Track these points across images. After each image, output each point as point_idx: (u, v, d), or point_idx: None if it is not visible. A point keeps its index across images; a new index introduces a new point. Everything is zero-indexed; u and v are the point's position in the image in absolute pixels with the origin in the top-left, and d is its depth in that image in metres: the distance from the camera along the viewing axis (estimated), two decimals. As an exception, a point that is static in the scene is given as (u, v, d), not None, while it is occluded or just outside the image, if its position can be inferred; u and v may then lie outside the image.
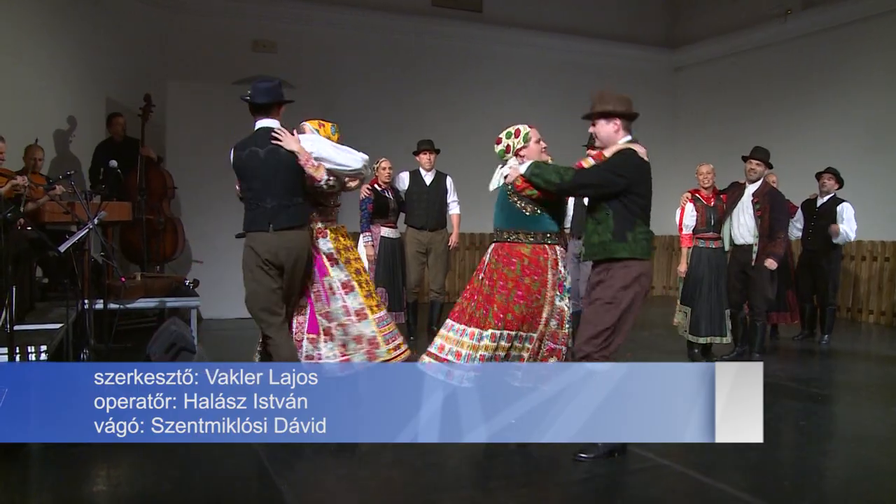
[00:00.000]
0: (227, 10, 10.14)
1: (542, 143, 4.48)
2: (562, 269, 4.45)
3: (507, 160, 4.49)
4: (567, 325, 4.45)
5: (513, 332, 4.32)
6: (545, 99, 11.40)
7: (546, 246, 4.41)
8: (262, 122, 4.74)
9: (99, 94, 8.97)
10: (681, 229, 6.88)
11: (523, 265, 4.34)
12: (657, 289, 12.64)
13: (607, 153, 4.20)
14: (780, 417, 5.43)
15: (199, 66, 9.87)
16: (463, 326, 4.35)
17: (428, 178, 7.86)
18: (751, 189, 6.89)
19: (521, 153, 4.43)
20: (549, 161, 4.45)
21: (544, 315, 4.37)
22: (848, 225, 7.89)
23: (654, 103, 12.97)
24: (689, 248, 6.84)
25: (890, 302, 9.77)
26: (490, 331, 4.27)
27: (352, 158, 4.72)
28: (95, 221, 5.16)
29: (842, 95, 10.36)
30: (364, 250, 7.14)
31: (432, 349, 4.42)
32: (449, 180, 7.95)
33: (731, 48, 12.00)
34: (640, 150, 4.19)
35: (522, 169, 4.30)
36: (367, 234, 7.32)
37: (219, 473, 3.94)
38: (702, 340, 6.84)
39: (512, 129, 4.49)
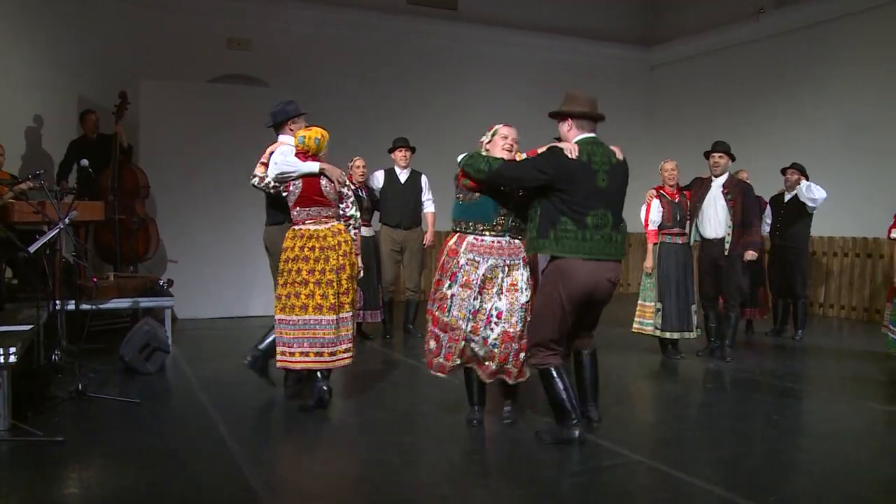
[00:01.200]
0: (202, 8, 10.07)
1: (510, 141, 4.49)
2: (460, 260, 4.52)
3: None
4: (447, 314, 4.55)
5: None
6: (521, 96, 11.39)
7: (457, 234, 4.59)
8: (279, 138, 5.44)
9: (71, 92, 8.87)
10: (647, 225, 6.96)
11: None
12: (633, 286, 12.70)
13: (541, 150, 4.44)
14: (754, 412, 5.49)
15: (174, 64, 9.79)
16: None
17: (403, 175, 7.84)
18: (719, 182, 6.96)
19: (487, 147, 4.52)
20: (518, 158, 4.47)
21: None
22: (811, 191, 7.95)
23: (630, 101, 13.08)
24: (655, 244, 6.91)
25: (861, 297, 9.90)
26: None
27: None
28: (66, 221, 5.08)
29: (816, 93, 10.48)
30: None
31: None
32: (424, 178, 7.93)
33: (707, 46, 12.11)
34: (606, 150, 4.37)
35: (459, 160, 4.47)
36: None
37: (192, 474, 3.91)
38: (673, 336, 6.91)
39: (493, 127, 4.59)
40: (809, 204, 7.99)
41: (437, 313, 4.51)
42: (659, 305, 6.92)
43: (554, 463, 4.11)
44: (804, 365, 7.21)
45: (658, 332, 6.95)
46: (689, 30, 12.44)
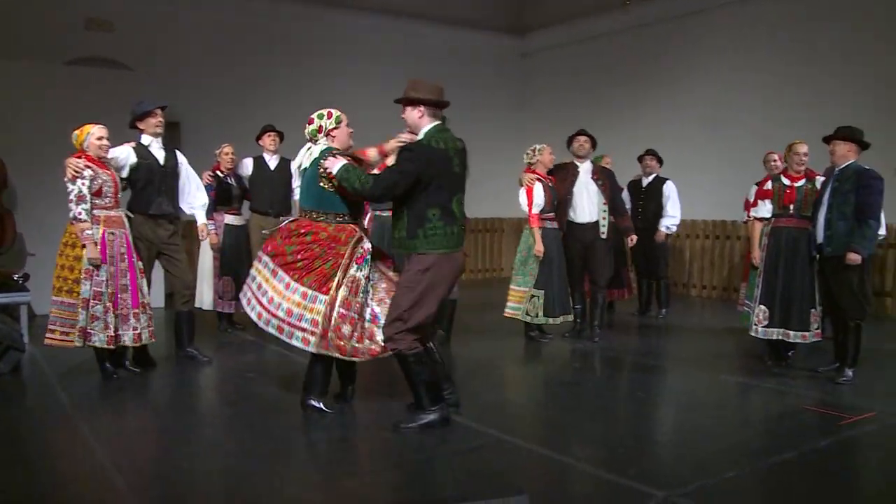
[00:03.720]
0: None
1: (349, 128, 4.76)
2: (366, 245, 4.63)
3: (318, 140, 4.68)
4: (360, 295, 4.56)
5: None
6: (393, 83, 11.31)
7: (347, 225, 4.62)
8: None
9: None
10: (530, 209, 6.92)
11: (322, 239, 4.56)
12: (506, 270, 12.94)
13: (388, 147, 4.68)
14: (619, 389, 5.73)
15: (28, 44, 9.21)
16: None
17: (272, 162, 7.68)
18: (586, 167, 7.16)
19: (333, 134, 4.67)
20: (350, 146, 4.71)
21: (335, 281, 4.50)
22: (672, 205, 8.40)
23: (502, 88, 13.30)
24: (539, 228, 6.96)
25: (720, 277, 10.45)
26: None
27: None
28: None
29: (676, 83, 10.97)
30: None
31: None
32: (293, 165, 7.81)
33: (577, 35, 12.44)
34: (452, 136, 4.47)
35: (335, 169, 4.42)
36: (211, 221, 7.08)
37: (53, 476, 3.74)
38: (556, 321, 7.06)
39: (325, 111, 4.71)
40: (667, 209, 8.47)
41: (348, 297, 4.51)
42: (535, 292, 6.97)
43: (423, 447, 4.15)
44: (667, 342, 7.57)
45: (537, 320, 7.02)
46: (559, 19, 12.72)
